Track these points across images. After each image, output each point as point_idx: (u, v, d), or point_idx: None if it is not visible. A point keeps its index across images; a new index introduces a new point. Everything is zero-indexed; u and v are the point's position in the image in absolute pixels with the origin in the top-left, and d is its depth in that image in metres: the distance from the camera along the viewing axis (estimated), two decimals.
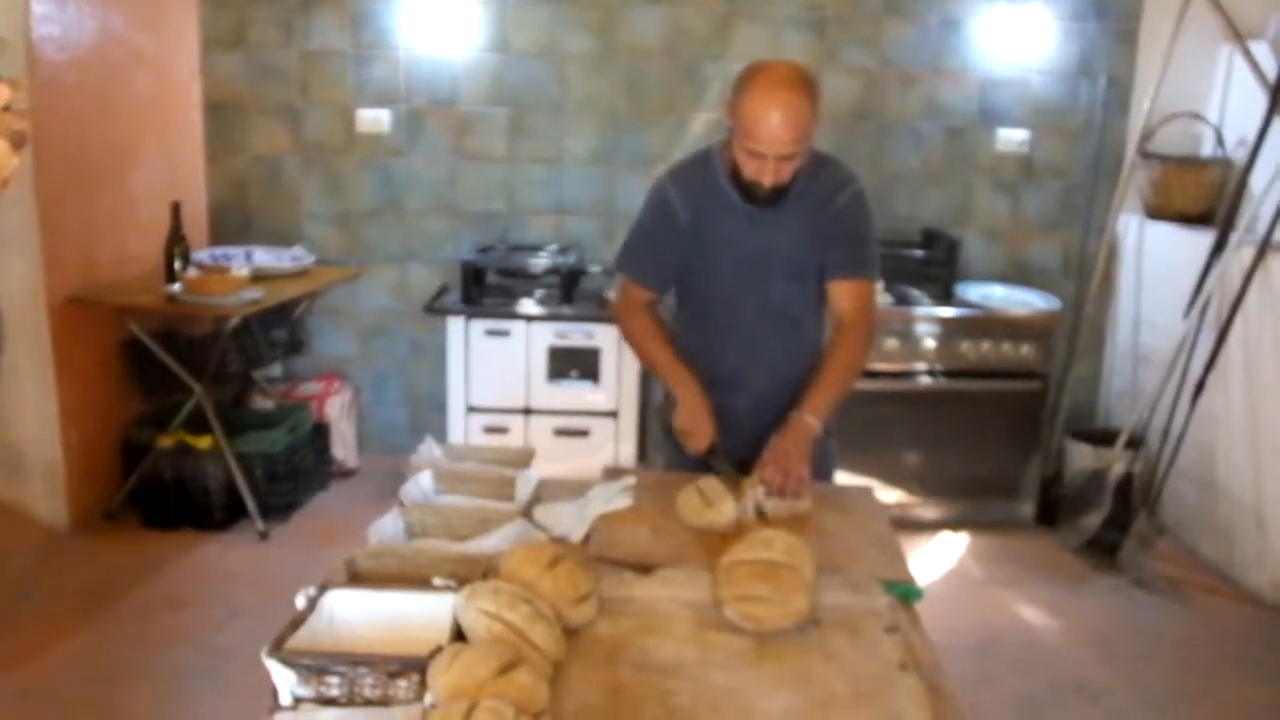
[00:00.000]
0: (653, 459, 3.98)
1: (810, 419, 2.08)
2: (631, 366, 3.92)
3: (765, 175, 2.04)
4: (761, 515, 2.00)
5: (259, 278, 3.75)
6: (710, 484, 2.01)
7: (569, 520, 1.95)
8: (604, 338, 3.90)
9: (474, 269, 3.97)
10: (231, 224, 4.27)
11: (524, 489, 2.00)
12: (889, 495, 3.94)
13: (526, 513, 1.93)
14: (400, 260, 4.35)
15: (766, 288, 2.21)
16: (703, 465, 2.15)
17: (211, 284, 3.48)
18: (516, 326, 3.89)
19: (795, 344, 2.27)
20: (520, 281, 4.07)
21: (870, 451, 3.85)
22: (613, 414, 3.96)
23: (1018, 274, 4.35)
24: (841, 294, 2.20)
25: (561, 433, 3.93)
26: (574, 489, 2.09)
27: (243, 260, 3.92)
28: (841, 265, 2.19)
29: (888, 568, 1.83)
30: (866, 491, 2.23)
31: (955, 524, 4.02)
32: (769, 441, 2.06)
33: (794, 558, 1.67)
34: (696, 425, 2.06)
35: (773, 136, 1.97)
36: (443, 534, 1.87)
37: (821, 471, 2.23)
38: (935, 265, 4.03)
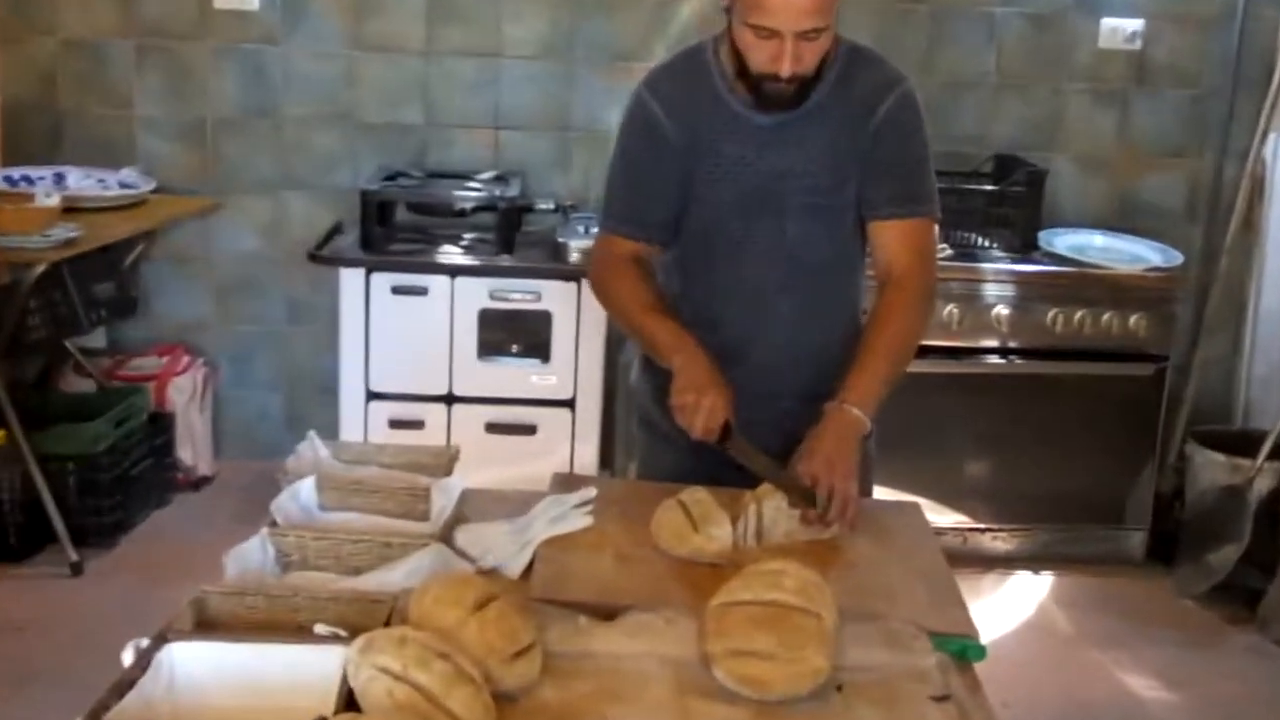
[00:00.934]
0: (622, 464, 4.01)
1: (856, 412, 2.13)
2: (595, 338, 3.95)
3: (781, 62, 2.06)
4: (760, 539, 2.05)
5: (73, 210, 3.72)
6: (699, 498, 2.04)
7: (504, 547, 1.96)
8: (556, 298, 3.92)
9: (378, 203, 3.98)
10: (34, 135, 4.23)
11: (442, 504, 2.01)
12: (942, 517, 3.98)
13: (445, 536, 1.95)
14: (274, 189, 4.35)
15: (781, 226, 2.25)
16: (702, 466, 2.20)
17: (4, 219, 3.46)
18: (436, 283, 3.91)
19: (820, 303, 2.32)
20: (442, 221, 4.08)
21: (917, 457, 3.88)
22: (567, 403, 3.98)
23: (1125, 217, 4.39)
24: (890, 238, 2.25)
25: (497, 428, 3.96)
26: (512, 504, 2.11)
27: (50, 185, 3.89)
28: (889, 199, 2.23)
29: (939, 615, 1.85)
30: (912, 510, 2.26)
31: (1035, 559, 4.07)
32: (804, 445, 2.11)
33: (810, 599, 1.69)
34: (704, 397, 2.10)
35: (787, 2, 2.01)
36: (329, 564, 1.87)
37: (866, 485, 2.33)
38: (1012, 205, 4.06)
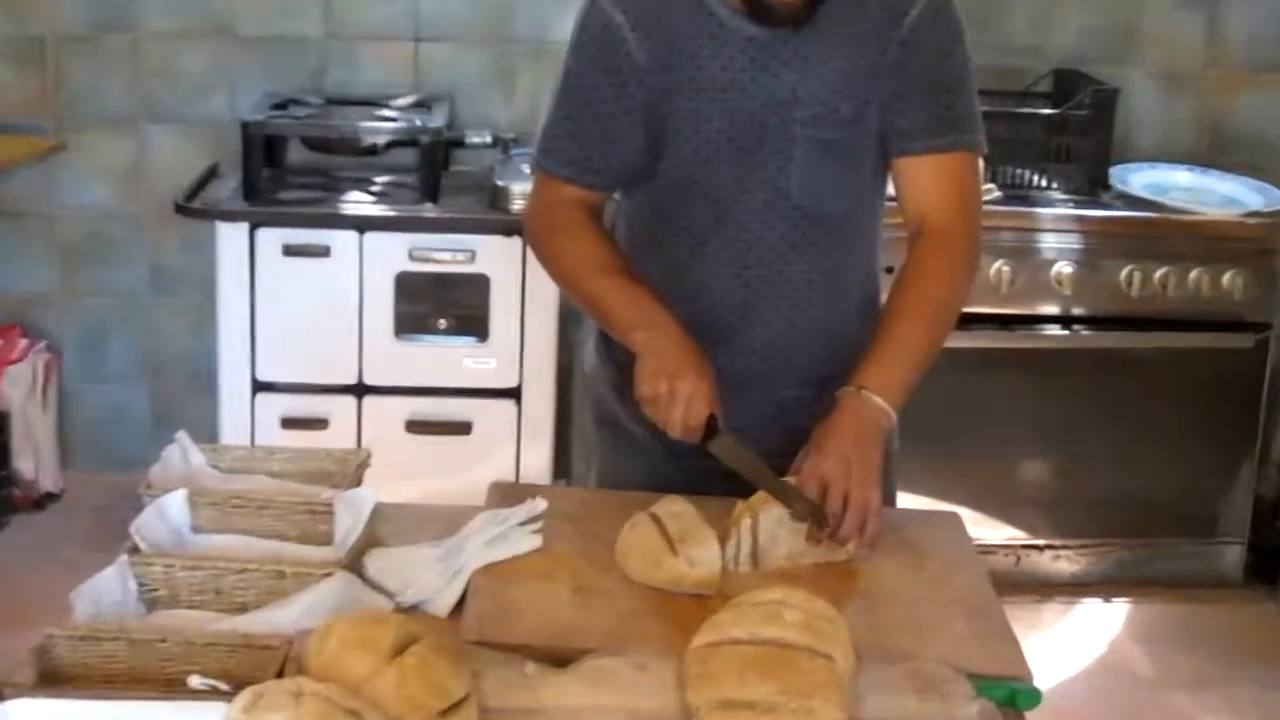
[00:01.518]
0: (581, 470, 4.01)
1: (878, 400, 2.15)
2: (546, 309, 3.96)
3: None
4: (755, 562, 2.06)
5: None
6: (677, 511, 2.04)
7: (429, 577, 1.97)
8: (495, 258, 3.93)
9: (264, 138, 3.98)
10: None
11: (350, 523, 2.01)
12: (988, 531, 4.00)
13: (354, 564, 1.95)
14: (132, 124, 4.34)
15: (783, 169, 2.25)
16: (681, 471, 2.22)
17: None
18: (341, 240, 3.91)
19: (832, 264, 2.33)
20: (347, 161, 4.09)
21: (956, 456, 3.89)
22: (511, 393, 4.00)
23: (1216, 150, 4.40)
24: (923, 179, 2.27)
25: (420, 427, 3.98)
26: (439, 523, 2.11)
27: None
28: (921, 129, 2.24)
29: (982, 653, 1.86)
30: (949, 523, 2.28)
31: (1106, 583, 4.10)
32: (811, 441, 2.13)
33: (819, 637, 1.69)
34: (680, 384, 2.09)
35: None
36: (206, 600, 1.87)
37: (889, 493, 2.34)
38: (1075, 133, 4.08)
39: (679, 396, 2.08)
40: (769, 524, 2.05)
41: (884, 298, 2.33)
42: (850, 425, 2.12)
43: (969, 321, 3.79)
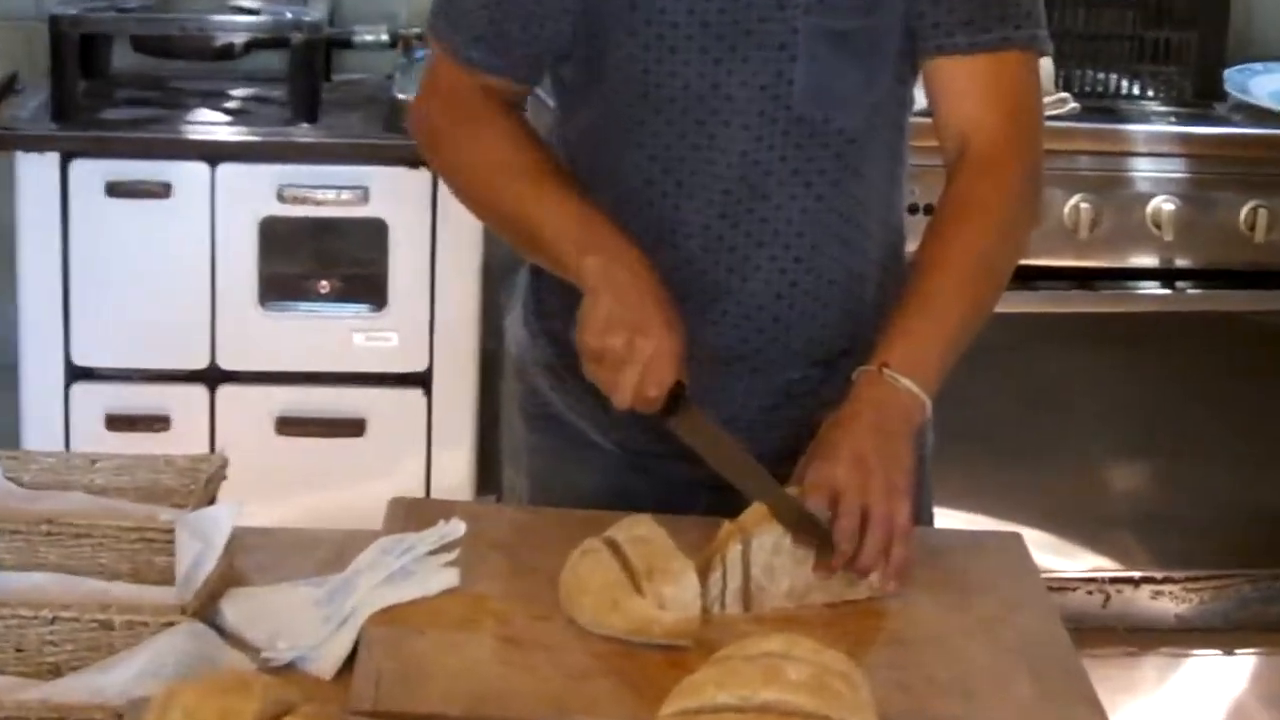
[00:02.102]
0: (513, 485, 3.84)
1: (906, 383, 2.16)
2: (465, 265, 4.00)
3: None
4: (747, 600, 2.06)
5: None
6: (642, 534, 2.04)
7: (305, 626, 1.96)
8: (394, 197, 3.97)
9: (80, 38, 3.98)
10: None
11: (197, 554, 1.98)
12: (1064, 558, 4.03)
13: (205, 609, 1.94)
14: None
15: (778, 68, 2.25)
16: (645, 481, 2.26)
17: None
18: (185, 175, 3.93)
19: (845, 200, 2.34)
20: (193, 69, 4.14)
21: (1014, 457, 3.93)
22: (419, 380, 4.04)
23: None
24: (964, 85, 2.29)
25: (296, 425, 4.02)
26: (321, 553, 2.14)
27: None
28: (963, 19, 2.25)
29: (1054, 713, 1.87)
30: (1008, 546, 2.29)
31: (1227, 627, 4.13)
32: (819, 436, 2.15)
33: (832, 700, 1.65)
34: (641, 337, 2.10)
35: None
36: (7, 660, 1.86)
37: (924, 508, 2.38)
38: (1176, 27, 4.12)
39: (637, 354, 2.10)
40: (765, 551, 2.05)
41: (913, 246, 2.33)
42: (871, 417, 2.12)
43: (1033, 277, 3.85)
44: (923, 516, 2.35)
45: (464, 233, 3.89)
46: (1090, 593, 4.06)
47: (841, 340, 2.29)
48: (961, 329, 2.22)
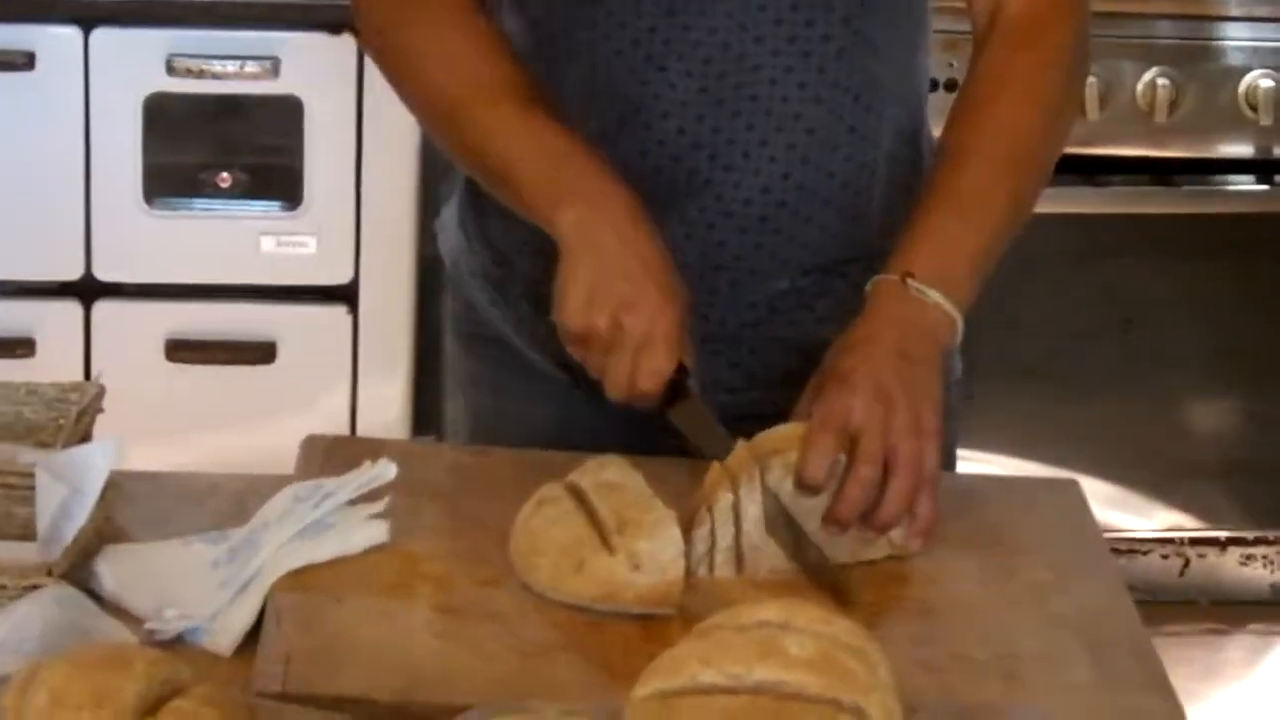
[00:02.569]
0: (457, 419, 3.80)
1: (935, 296, 2.20)
2: (398, 153, 4.04)
3: None
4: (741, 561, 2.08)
5: None
6: (611, 480, 2.07)
7: (199, 591, 1.97)
8: (312, 70, 4.01)
9: None
10: None
11: (58, 504, 1.98)
12: (1132, 514, 4.09)
13: (76, 569, 1.96)
14: None
15: None
16: (613, 421, 2.26)
17: None
18: (51, 43, 3.95)
19: (852, 75, 2.36)
20: None
21: (1067, 389, 3.96)
22: (341, 294, 4.10)
23: None
24: None
25: (190, 349, 4.07)
26: (219, 503, 2.16)
27: None
28: None
29: (1119, 711, 1.87)
30: (1062, 496, 2.32)
31: None
32: (826, 363, 2.17)
33: (842, 680, 1.60)
34: (636, 316, 2.13)
35: None
36: None
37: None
38: None
39: (630, 337, 2.12)
40: (754, 501, 2.05)
41: (937, 132, 2.38)
42: (891, 338, 2.14)
43: (1098, 170, 3.85)
44: (949, 460, 2.39)
45: (397, 114, 3.59)
46: (1165, 556, 4.09)
47: (839, 246, 2.34)
48: (999, 230, 2.26)
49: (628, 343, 2.10)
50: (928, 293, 2.18)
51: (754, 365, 2.30)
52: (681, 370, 2.13)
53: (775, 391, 2.21)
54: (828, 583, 2.03)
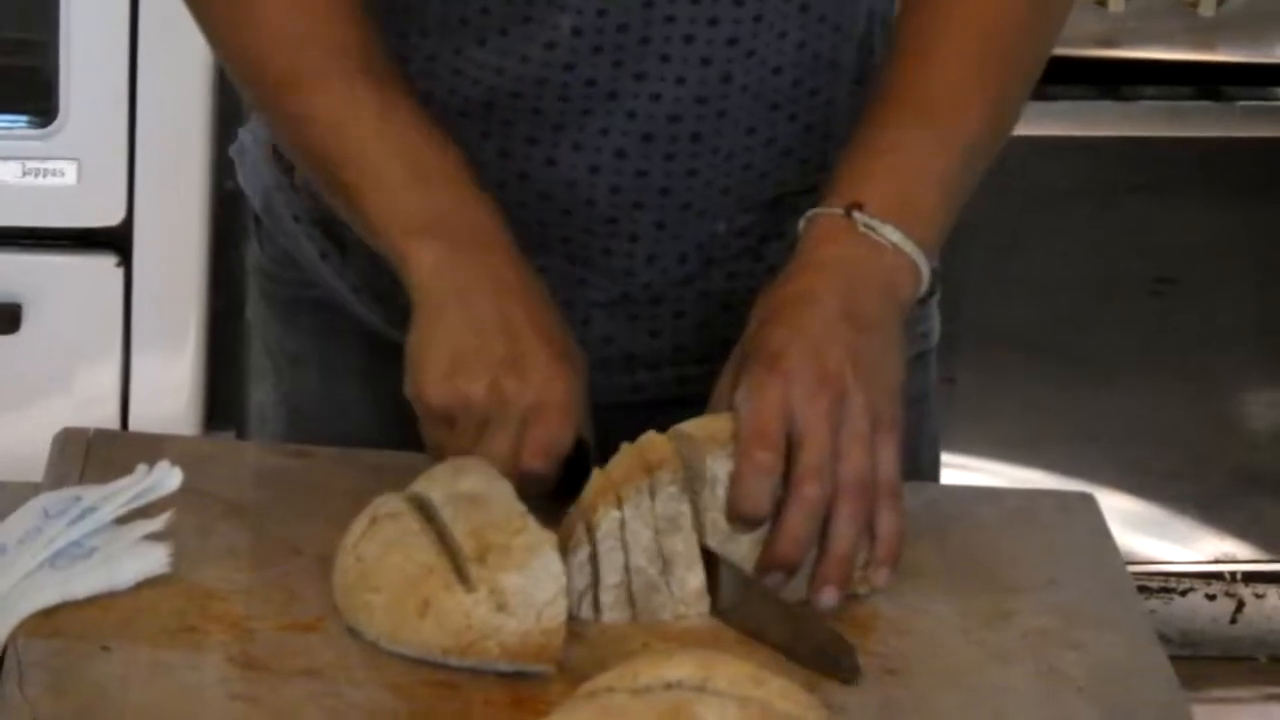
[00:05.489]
0: (261, 406, 3.95)
1: (893, 234, 2.05)
2: (185, 56, 3.80)
3: None
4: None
5: None
6: (470, 491, 1.89)
7: None
8: None
9: None
10: None
11: None
12: (1166, 541, 3.91)
13: None
14: None
15: None
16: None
17: None
18: None
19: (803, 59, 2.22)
20: None
21: (1085, 371, 3.77)
22: (111, 238, 3.89)
23: None
24: None
25: None
26: None
27: None
28: None
29: None
30: (1075, 511, 2.22)
31: None
32: (752, 324, 2.02)
33: None
34: (516, 381, 1.98)
35: None
36: None
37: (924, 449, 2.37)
38: None
39: (514, 406, 1.98)
40: (653, 517, 1.92)
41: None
42: (833, 293, 1.99)
43: (1124, 80, 3.59)
44: (922, 459, 2.32)
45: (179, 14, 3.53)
46: (1211, 596, 3.92)
47: (793, 171, 2.17)
48: (974, 147, 2.12)
49: (511, 412, 1.98)
50: (882, 229, 2.04)
51: (681, 333, 2.21)
52: (581, 446, 2.02)
53: (708, 367, 2.08)
54: (824, 660, 1.85)
